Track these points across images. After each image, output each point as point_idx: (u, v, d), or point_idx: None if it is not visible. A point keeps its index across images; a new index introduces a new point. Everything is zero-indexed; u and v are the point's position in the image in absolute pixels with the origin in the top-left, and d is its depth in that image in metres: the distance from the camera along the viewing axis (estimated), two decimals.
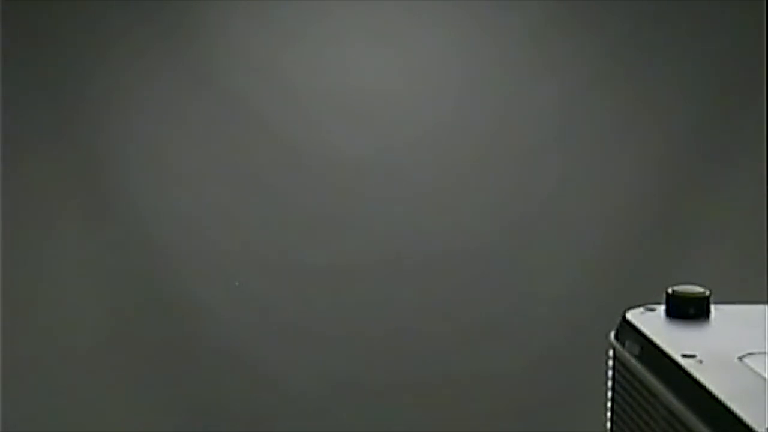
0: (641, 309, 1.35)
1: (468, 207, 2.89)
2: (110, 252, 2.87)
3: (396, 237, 2.89)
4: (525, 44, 2.86)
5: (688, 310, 1.31)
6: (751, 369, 1.13)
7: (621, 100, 2.87)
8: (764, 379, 1.10)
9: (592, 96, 2.87)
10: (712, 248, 2.86)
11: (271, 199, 2.88)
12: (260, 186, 2.88)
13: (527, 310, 2.90)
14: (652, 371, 1.20)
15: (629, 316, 1.34)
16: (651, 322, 1.30)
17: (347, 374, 2.91)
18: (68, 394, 2.87)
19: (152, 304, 2.88)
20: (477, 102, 2.88)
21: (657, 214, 2.88)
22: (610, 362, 1.34)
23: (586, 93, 2.86)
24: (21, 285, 2.84)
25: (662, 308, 1.33)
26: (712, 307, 1.32)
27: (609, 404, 1.34)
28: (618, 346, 1.32)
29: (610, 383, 1.34)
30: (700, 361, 1.14)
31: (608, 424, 1.35)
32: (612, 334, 1.35)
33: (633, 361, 1.26)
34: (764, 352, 1.17)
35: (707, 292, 1.33)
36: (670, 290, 1.33)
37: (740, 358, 1.16)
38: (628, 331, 1.30)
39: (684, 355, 1.16)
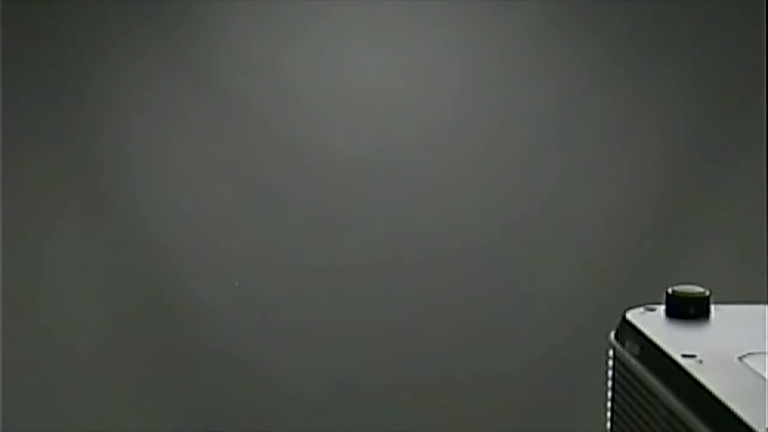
0: (641, 309, 1.35)
1: (468, 207, 2.89)
2: (110, 252, 2.87)
3: (396, 237, 2.89)
4: (525, 44, 2.86)
5: (688, 310, 1.31)
6: (751, 369, 1.13)
7: (621, 100, 2.87)
8: (764, 379, 1.10)
9: (592, 96, 2.87)
10: (712, 248, 2.86)
11: (271, 199, 2.88)
12: (260, 186, 2.88)
13: (527, 310, 2.90)
14: (652, 371, 1.20)
15: (629, 316, 1.34)
16: (651, 322, 1.30)
17: (347, 374, 2.91)
18: (68, 394, 2.87)
19: (152, 304, 2.88)
20: (477, 102, 2.88)
21: (657, 214, 2.88)
22: (610, 362, 1.34)
23: (586, 93, 2.86)
24: (21, 285, 2.84)
25: (662, 308, 1.33)
26: (712, 307, 1.32)
27: (609, 404, 1.34)
28: (618, 346, 1.32)
29: (610, 383, 1.34)
30: (700, 361, 1.14)
31: (608, 424, 1.35)
32: (612, 334, 1.35)
33: (633, 361, 1.26)
34: (764, 352, 1.17)
35: (707, 292, 1.33)
36: (670, 290, 1.33)
37: (740, 358, 1.16)
38: (628, 331, 1.30)
39: (684, 355, 1.16)
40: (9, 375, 2.81)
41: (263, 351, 2.89)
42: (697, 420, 1.07)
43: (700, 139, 2.85)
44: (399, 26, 2.86)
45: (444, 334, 2.89)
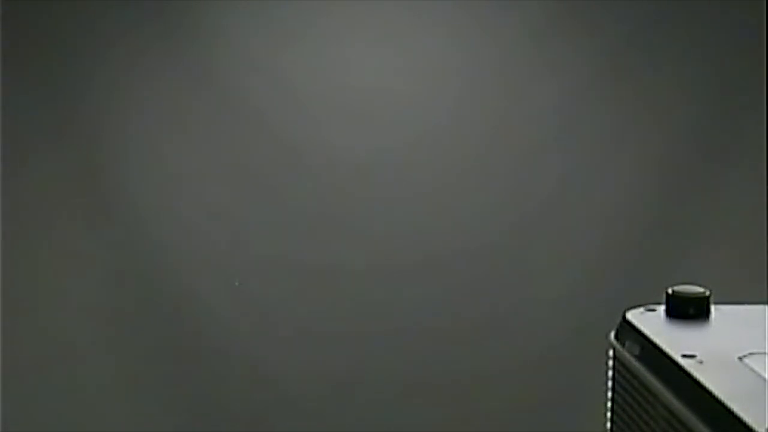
0: (641, 309, 1.35)
1: (468, 207, 2.89)
2: (110, 252, 2.87)
3: (396, 237, 2.89)
4: (525, 44, 2.86)
5: (688, 310, 1.31)
6: (751, 369, 1.13)
7: (621, 100, 2.87)
8: (764, 379, 1.10)
9: (592, 96, 2.87)
10: (712, 248, 2.86)
11: (271, 199, 2.88)
12: (260, 186, 2.88)
13: (527, 310, 2.90)
14: (652, 371, 1.20)
15: (629, 316, 1.34)
16: (651, 322, 1.30)
17: (347, 374, 2.91)
18: (68, 394, 2.87)
19: (152, 304, 2.88)
20: (477, 102, 2.88)
21: (657, 214, 2.88)
22: (610, 362, 1.34)
23: (586, 93, 2.86)
24: (21, 285, 2.84)
25: (662, 308, 1.33)
26: (712, 307, 1.32)
27: (609, 404, 1.34)
28: (618, 346, 1.32)
29: (610, 383, 1.34)
30: (700, 361, 1.14)
31: (608, 424, 1.35)
32: (612, 334, 1.35)
33: (633, 361, 1.26)
34: (764, 352, 1.17)
35: (707, 292, 1.33)
36: (670, 290, 1.33)
37: (740, 358, 1.16)
38: (628, 331, 1.30)
39: (684, 355, 1.16)
40: (9, 375, 2.81)
41: (263, 351, 2.89)
42: (697, 420, 1.07)
43: (700, 139, 2.85)
44: (399, 26, 2.86)
45: (444, 334, 2.89)
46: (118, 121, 2.85)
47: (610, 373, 1.34)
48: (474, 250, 2.90)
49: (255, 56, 2.84)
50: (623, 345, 1.30)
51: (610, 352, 1.34)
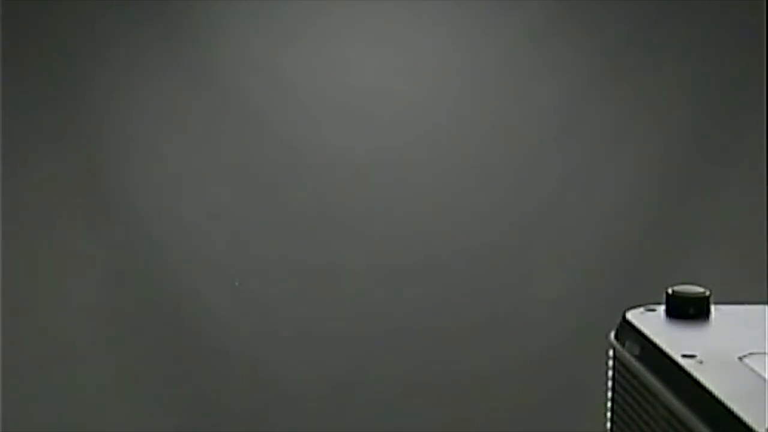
0: (641, 309, 1.35)
1: (468, 207, 2.89)
2: (110, 252, 2.87)
3: (396, 237, 2.89)
4: (525, 44, 2.86)
5: (688, 310, 1.31)
6: (751, 369, 1.13)
7: (621, 100, 2.87)
8: (764, 379, 1.10)
9: (592, 96, 2.87)
10: (712, 248, 2.86)
11: (271, 199, 2.88)
12: (260, 186, 2.88)
13: (527, 310, 2.90)
14: (652, 371, 1.20)
15: (629, 316, 1.34)
16: (651, 322, 1.30)
17: (347, 374, 2.91)
18: (68, 394, 2.87)
19: (152, 304, 2.88)
20: (477, 102, 2.88)
21: (657, 214, 2.88)
22: (610, 362, 1.34)
23: (586, 93, 2.86)
24: (21, 285, 2.84)
25: (662, 308, 1.33)
26: (712, 307, 1.32)
27: (609, 404, 1.34)
28: (618, 346, 1.32)
29: (610, 383, 1.34)
30: (700, 361, 1.14)
31: (608, 424, 1.35)
32: (612, 334, 1.35)
33: (633, 361, 1.26)
34: (764, 352, 1.17)
35: (707, 292, 1.33)
36: (670, 290, 1.33)
37: (740, 358, 1.16)
38: (628, 331, 1.30)
39: (684, 355, 1.16)
40: (9, 375, 2.81)
41: (263, 351, 2.89)
42: (697, 420, 1.07)
43: (700, 139, 2.85)
44: (399, 26, 2.86)
45: (444, 334, 2.89)
46: (118, 121, 2.85)
47: (610, 373, 1.34)
48: (474, 250, 2.90)
49: (255, 56, 2.84)
50: (623, 345, 1.30)
51: (610, 352, 1.34)
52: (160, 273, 2.87)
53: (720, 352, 1.18)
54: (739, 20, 2.81)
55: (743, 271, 2.75)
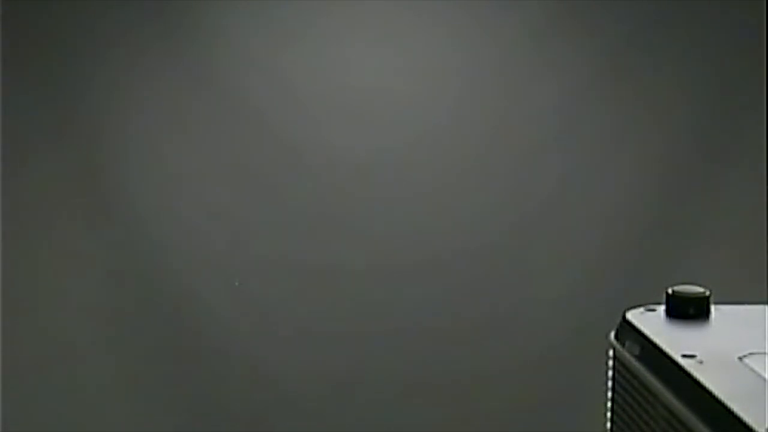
0: (641, 309, 1.35)
1: (468, 207, 2.89)
2: (110, 252, 2.87)
3: (396, 237, 2.89)
4: (525, 44, 2.86)
5: (688, 310, 1.31)
6: (751, 369, 1.13)
7: (621, 100, 2.87)
8: (764, 379, 1.10)
9: (592, 96, 2.87)
10: (712, 248, 2.86)
11: (271, 199, 2.88)
12: (260, 186, 2.88)
13: (527, 310, 2.90)
14: (652, 371, 1.20)
15: (629, 316, 1.34)
16: (651, 322, 1.30)
17: (347, 374, 2.91)
18: (68, 394, 2.87)
19: (152, 304, 2.88)
20: (477, 102, 2.88)
21: (657, 214, 2.88)
22: (610, 362, 1.34)
23: (586, 93, 2.86)
24: (21, 285, 2.84)
25: (662, 308, 1.33)
26: (712, 307, 1.32)
27: (609, 404, 1.34)
28: (618, 346, 1.32)
29: (610, 383, 1.34)
30: (700, 361, 1.14)
31: (608, 424, 1.35)
32: (612, 334, 1.35)
33: (633, 361, 1.26)
34: (764, 352, 1.17)
35: (707, 292, 1.33)
36: (670, 290, 1.33)
37: (740, 358, 1.16)
38: (628, 331, 1.30)
39: (684, 355, 1.16)
40: (9, 375, 2.81)
41: (263, 351, 2.89)
42: (697, 420, 1.07)
43: (700, 139, 2.85)
44: (399, 26, 2.86)
45: (444, 334, 2.89)
46: (118, 121, 2.85)
47: (610, 373, 1.34)
48: (474, 250, 2.90)
49: (255, 56, 2.84)
50: (623, 345, 1.30)
51: (610, 352, 1.34)
52: (160, 273, 2.87)
53: (720, 352, 1.18)
54: (739, 20, 2.81)
55: (743, 271, 2.75)
